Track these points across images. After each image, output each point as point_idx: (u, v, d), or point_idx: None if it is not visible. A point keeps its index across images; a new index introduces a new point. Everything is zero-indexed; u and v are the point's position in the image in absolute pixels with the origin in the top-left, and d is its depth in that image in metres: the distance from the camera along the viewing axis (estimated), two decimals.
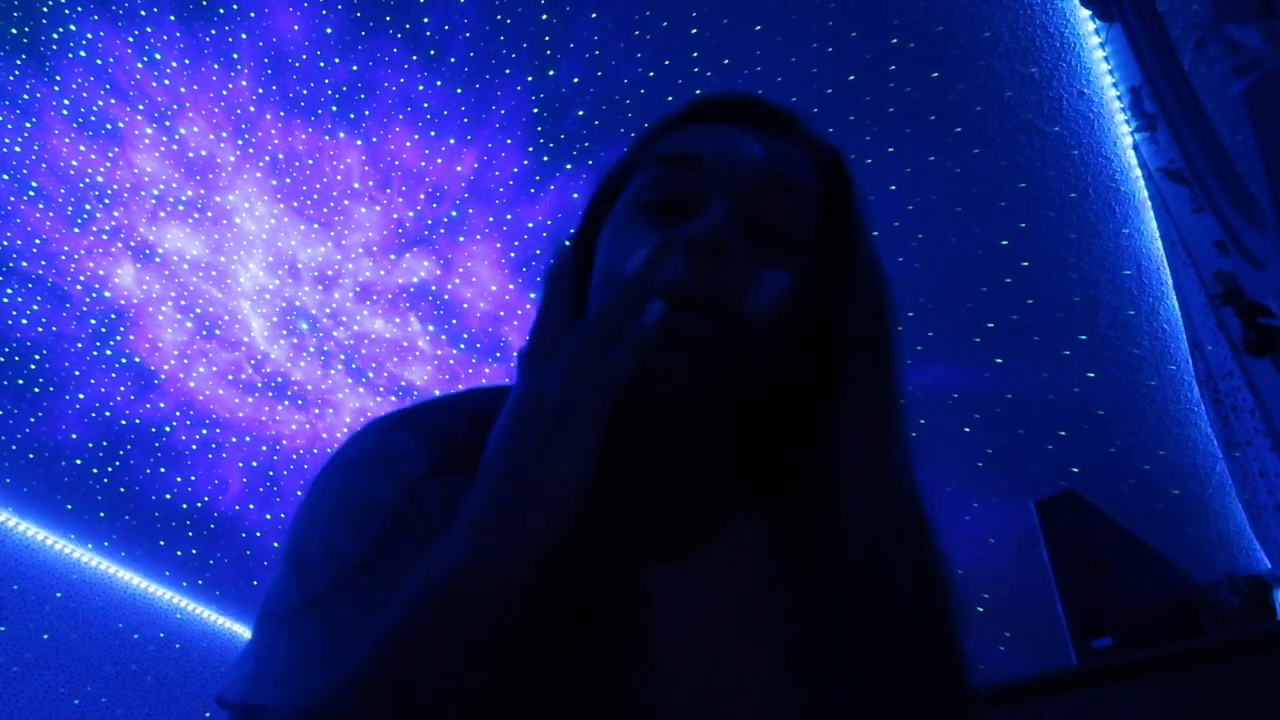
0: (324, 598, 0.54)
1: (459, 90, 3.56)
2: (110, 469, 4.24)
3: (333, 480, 0.61)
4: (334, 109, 3.65)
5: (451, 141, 3.69)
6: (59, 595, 4.14)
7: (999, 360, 3.50)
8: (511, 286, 3.97)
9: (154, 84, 3.59)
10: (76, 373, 4.01)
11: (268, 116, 3.68)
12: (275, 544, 4.67)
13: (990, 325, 3.45)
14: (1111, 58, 2.76)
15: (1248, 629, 1.69)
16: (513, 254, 3.89)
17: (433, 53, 3.49)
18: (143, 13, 3.43)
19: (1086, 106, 2.88)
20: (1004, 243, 3.26)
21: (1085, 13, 2.71)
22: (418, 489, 0.57)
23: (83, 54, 3.48)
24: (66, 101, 3.57)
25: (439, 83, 3.55)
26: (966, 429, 3.68)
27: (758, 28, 3.17)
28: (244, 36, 3.49)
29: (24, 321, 3.90)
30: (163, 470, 4.31)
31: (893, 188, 3.31)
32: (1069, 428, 3.50)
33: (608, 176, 0.71)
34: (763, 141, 0.64)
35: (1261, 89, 1.95)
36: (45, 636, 4.03)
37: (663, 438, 0.60)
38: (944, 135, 3.14)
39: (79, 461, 4.15)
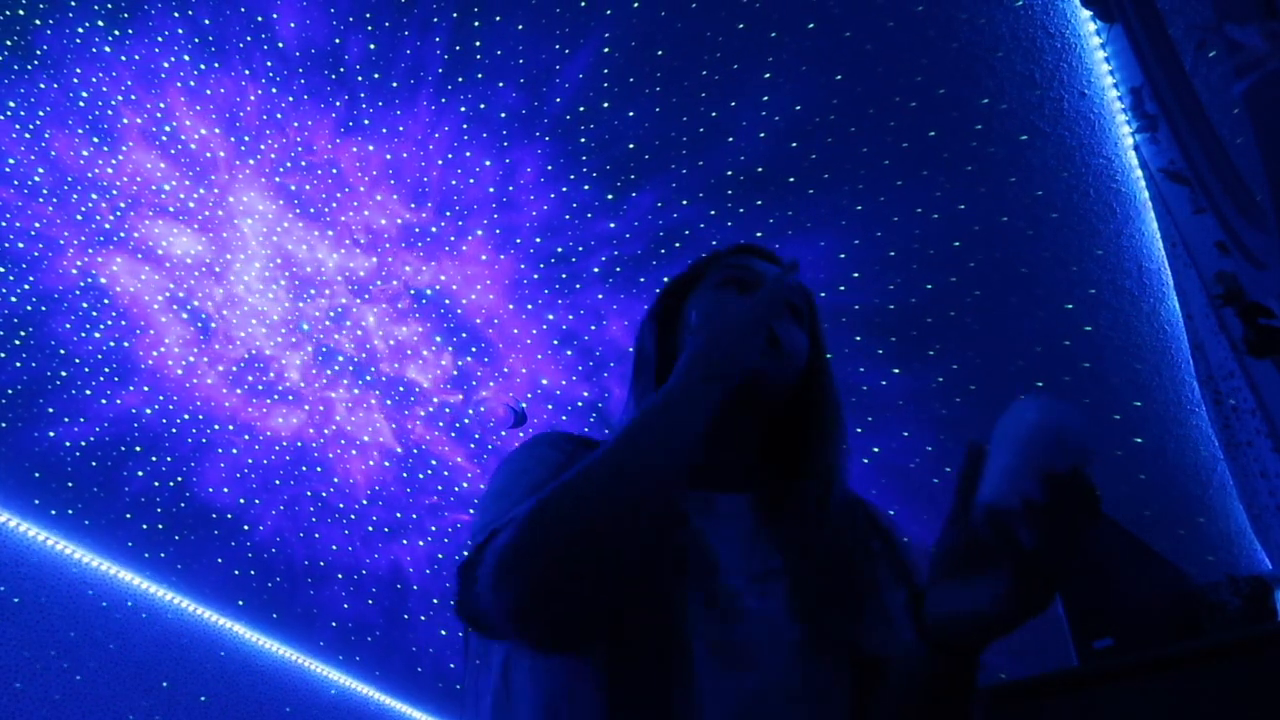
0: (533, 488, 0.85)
1: (464, 97, 3.57)
2: (82, 444, 4.25)
3: (524, 450, 0.96)
4: (338, 113, 3.66)
5: (467, 152, 3.70)
6: (16, 560, 4.17)
7: (998, 360, 3.50)
8: (509, 306, 3.98)
9: (157, 85, 3.60)
10: (61, 351, 4.02)
11: (282, 119, 3.69)
12: (245, 526, 4.68)
13: (989, 325, 3.45)
14: (1112, 58, 2.76)
15: (1248, 629, 1.69)
16: (513, 255, 3.90)
17: (447, 56, 3.50)
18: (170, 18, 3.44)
19: (1087, 107, 2.88)
20: (1004, 242, 3.26)
21: (1086, 13, 2.71)
22: (573, 451, 0.93)
23: (91, 52, 3.49)
24: (84, 94, 3.58)
25: (453, 84, 3.56)
26: (966, 430, 3.68)
27: (772, 34, 3.18)
28: (250, 40, 3.50)
29: (13, 299, 3.90)
30: (137, 449, 4.32)
31: (898, 196, 3.31)
32: None
33: (676, 280, 1.10)
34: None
35: (1262, 89, 1.95)
36: (15, 600, 4.06)
37: (744, 415, 0.97)
38: (943, 135, 3.14)
39: (51, 433, 4.16)
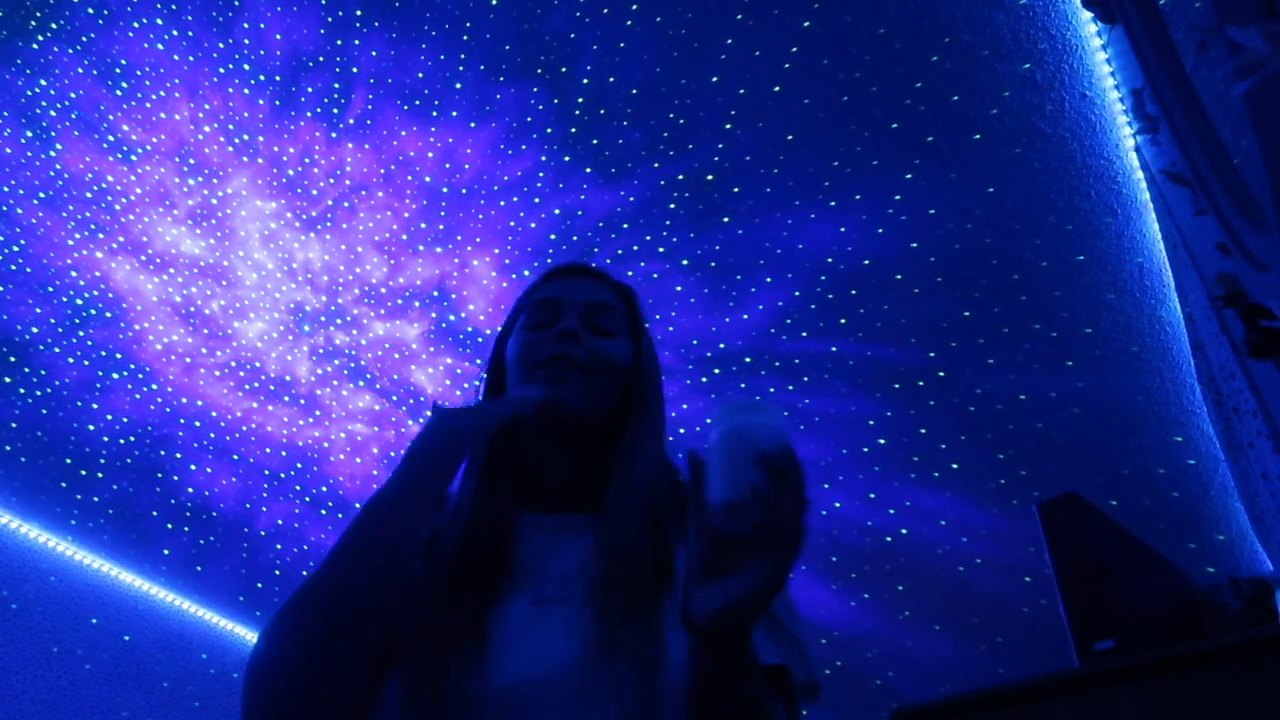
0: None
1: (470, 99, 3.57)
2: (84, 445, 4.24)
3: None
4: (340, 114, 3.66)
5: (463, 145, 3.70)
6: (18, 563, 4.20)
7: (1001, 363, 3.50)
8: (512, 298, 3.98)
9: (158, 85, 3.60)
10: (56, 349, 4.01)
11: (284, 125, 3.69)
12: (245, 527, 4.68)
13: (991, 327, 3.45)
14: (1114, 60, 2.76)
15: (1249, 631, 1.69)
16: (514, 255, 3.90)
17: (443, 57, 3.50)
18: (160, 20, 3.44)
19: (1088, 109, 2.88)
20: (1005, 245, 3.26)
21: (1087, 15, 2.71)
22: None
23: (91, 53, 3.49)
24: (84, 95, 3.58)
25: (458, 85, 3.56)
26: (969, 433, 3.68)
27: (757, 53, 3.18)
28: (251, 41, 3.50)
29: (10, 298, 3.90)
30: (136, 450, 4.31)
31: (897, 197, 3.31)
32: (1071, 430, 3.50)
33: (505, 323, 1.18)
34: (588, 283, 1.14)
35: (1263, 90, 1.95)
36: (13, 602, 4.08)
37: (556, 448, 1.04)
38: (945, 138, 3.14)
39: (39, 433, 4.16)
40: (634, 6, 3.24)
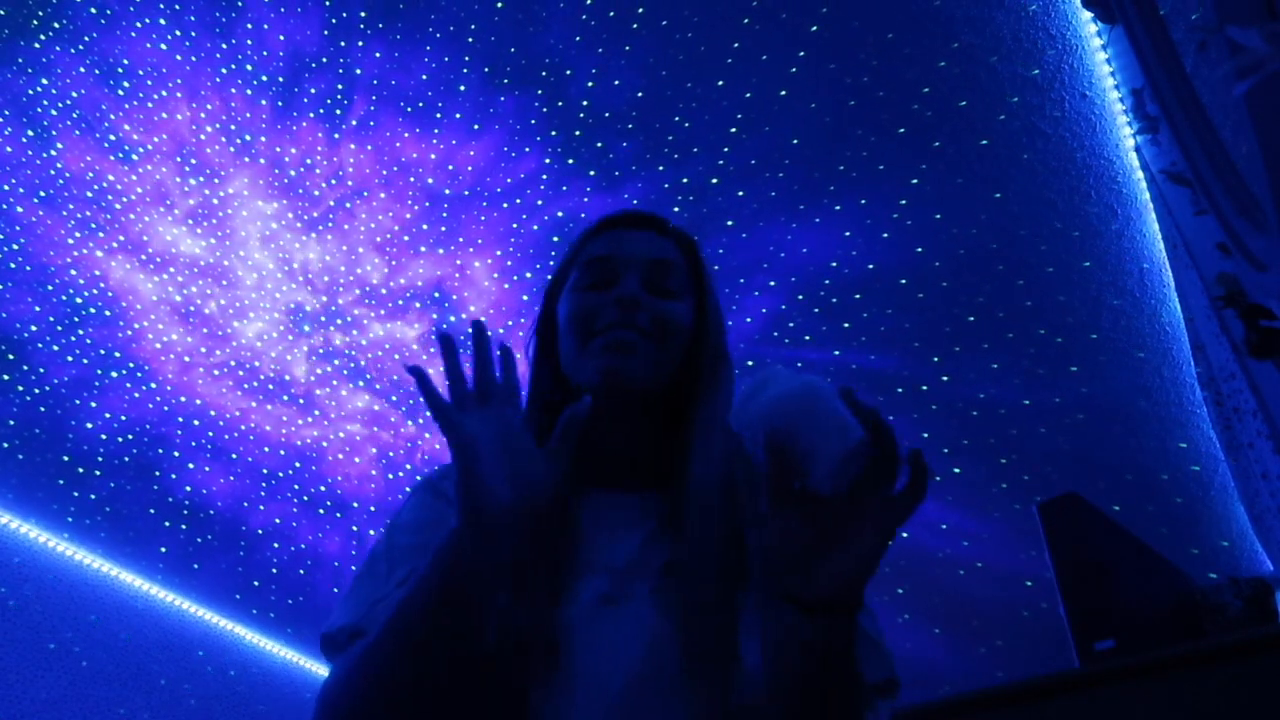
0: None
1: (472, 100, 3.57)
2: (82, 446, 4.24)
3: (403, 506, 1.01)
4: (341, 115, 3.66)
5: (464, 144, 3.70)
6: (16, 561, 4.20)
7: (1002, 364, 3.49)
8: (512, 308, 3.98)
9: (158, 85, 3.60)
10: (55, 347, 4.01)
11: (283, 124, 3.69)
12: (243, 525, 4.67)
13: (996, 333, 3.44)
14: (1114, 60, 2.76)
15: (1249, 631, 1.68)
16: (514, 257, 3.89)
17: (446, 59, 3.50)
18: (165, 20, 3.45)
19: (1089, 109, 2.88)
20: (1010, 250, 3.26)
21: (1087, 15, 2.71)
22: (445, 509, 0.98)
23: (92, 53, 3.50)
24: (83, 95, 3.58)
25: (461, 87, 3.57)
26: (972, 438, 3.67)
27: (764, 55, 3.18)
28: (253, 42, 3.50)
29: (9, 297, 3.90)
30: (134, 449, 4.31)
31: (903, 202, 3.31)
32: (1072, 430, 3.49)
33: (554, 276, 1.09)
34: (648, 237, 1.05)
35: (1263, 90, 1.95)
36: (12, 601, 4.08)
37: (617, 420, 0.96)
38: (951, 143, 3.14)
39: (37, 430, 4.16)
40: (639, 10, 3.24)
